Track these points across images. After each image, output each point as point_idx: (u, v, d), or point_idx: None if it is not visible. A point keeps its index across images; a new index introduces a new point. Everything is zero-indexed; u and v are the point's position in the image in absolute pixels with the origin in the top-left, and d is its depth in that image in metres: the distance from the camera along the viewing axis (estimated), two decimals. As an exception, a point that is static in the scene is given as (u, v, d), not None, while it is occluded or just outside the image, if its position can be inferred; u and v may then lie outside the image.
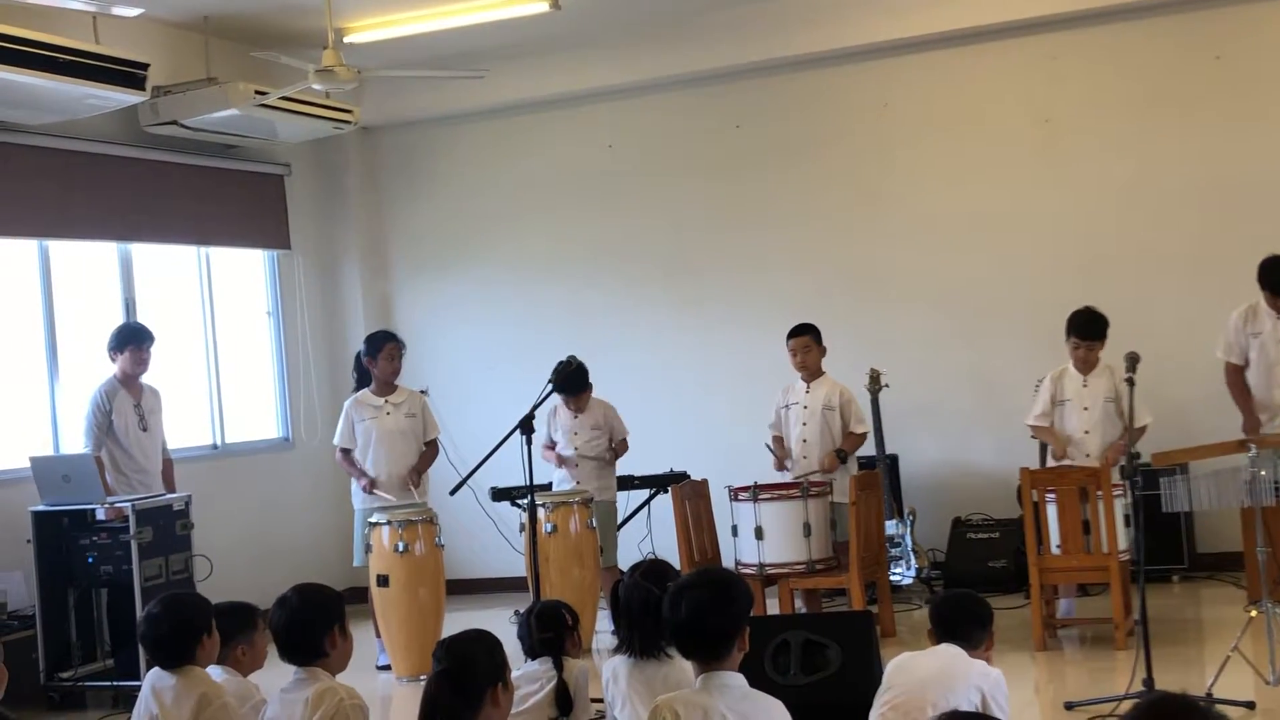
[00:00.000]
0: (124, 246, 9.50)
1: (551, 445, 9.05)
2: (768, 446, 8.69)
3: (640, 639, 5.00)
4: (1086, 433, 8.11)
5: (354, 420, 8.64)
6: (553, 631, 5.39)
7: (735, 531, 8.25)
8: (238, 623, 5.10)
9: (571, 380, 8.72)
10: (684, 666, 4.94)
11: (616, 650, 5.13)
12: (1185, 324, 9.13)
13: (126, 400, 8.34)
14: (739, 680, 3.85)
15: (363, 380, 8.81)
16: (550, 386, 8.00)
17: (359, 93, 9.84)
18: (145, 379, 8.51)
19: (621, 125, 10.77)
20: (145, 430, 8.40)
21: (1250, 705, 6.03)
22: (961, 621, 4.92)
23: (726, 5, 9.96)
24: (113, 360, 8.38)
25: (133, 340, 8.40)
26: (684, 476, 9.37)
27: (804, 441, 8.55)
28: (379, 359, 8.65)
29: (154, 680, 4.75)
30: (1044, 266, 9.69)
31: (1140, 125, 9.55)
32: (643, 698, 4.87)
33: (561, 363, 8.43)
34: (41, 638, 7.94)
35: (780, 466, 8.62)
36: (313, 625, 4.43)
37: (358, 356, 8.90)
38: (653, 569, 5.26)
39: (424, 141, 11.24)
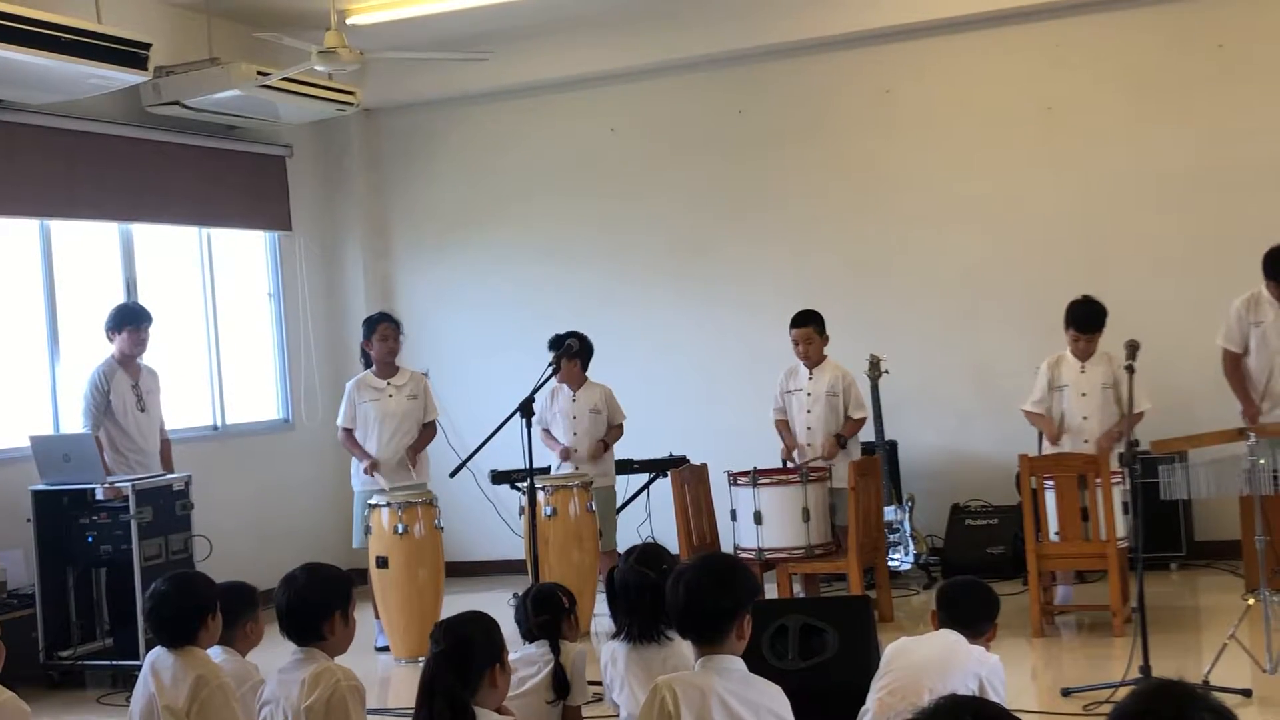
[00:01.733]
0: (125, 227, 9.50)
1: (546, 430, 9.04)
2: (782, 460, 8.63)
3: (639, 624, 5.02)
4: (1085, 419, 8.11)
5: (356, 402, 8.65)
6: (549, 614, 5.39)
7: (734, 516, 8.26)
8: (239, 602, 5.11)
9: (570, 350, 8.73)
10: (682, 650, 4.95)
11: (614, 636, 5.14)
12: (1185, 312, 9.13)
13: (124, 380, 8.34)
14: (739, 664, 3.86)
15: (370, 364, 8.82)
16: (551, 370, 8.00)
17: (361, 74, 9.84)
18: (144, 359, 8.51)
19: (624, 109, 10.76)
20: (143, 411, 8.41)
21: (1247, 693, 6.03)
22: (970, 610, 4.93)
23: (730, -11, 9.95)
24: (110, 340, 8.38)
25: (130, 321, 8.40)
26: (683, 461, 9.38)
27: (808, 429, 8.55)
28: (374, 340, 8.68)
29: (154, 659, 4.76)
30: (1044, 253, 9.69)
31: (1142, 113, 9.54)
32: (641, 680, 4.88)
33: (561, 336, 8.51)
34: (41, 617, 7.96)
35: (788, 456, 8.61)
36: (315, 606, 4.42)
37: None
38: (646, 553, 5.28)
39: (426, 124, 11.23)
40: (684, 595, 3.89)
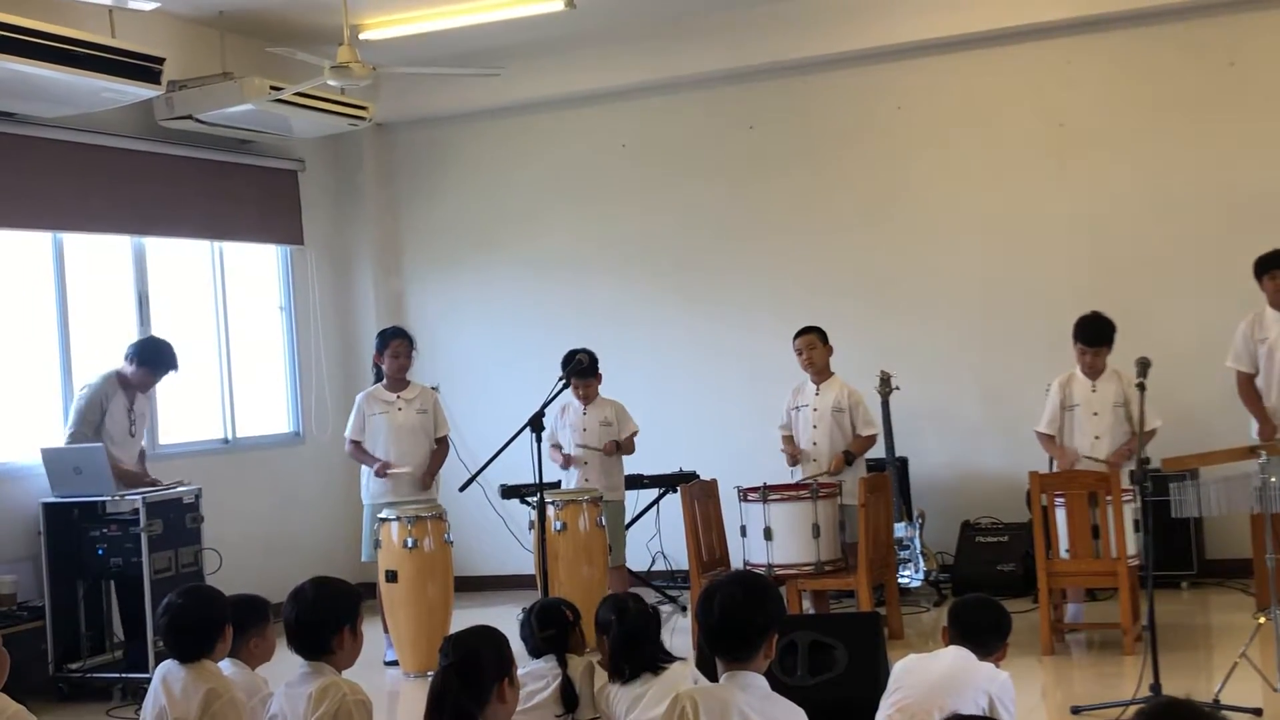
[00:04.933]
0: (138, 240, 9.52)
1: (557, 445, 9.03)
2: (783, 451, 8.67)
3: (629, 665, 5.11)
4: (1097, 438, 8.09)
5: (365, 414, 8.66)
6: (554, 629, 5.40)
7: (744, 532, 8.25)
8: (249, 615, 5.11)
9: (583, 367, 8.77)
10: (680, 670, 5.03)
11: (611, 680, 5.20)
12: (1196, 329, 9.13)
13: (121, 403, 8.25)
14: (762, 682, 3.87)
15: (380, 377, 8.83)
16: (561, 384, 8.00)
17: (374, 89, 9.87)
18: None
19: (635, 125, 10.77)
20: (133, 436, 8.36)
21: (1258, 712, 6.02)
22: (981, 628, 4.91)
23: (740, 6, 9.96)
24: (127, 363, 8.30)
25: (150, 365, 8.27)
26: (693, 476, 9.38)
27: (814, 444, 8.54)
28: (386, 355, 8.68)
29: (165, 672, 4.76)
30: (1055, 270, 9.69)
31: (1153, 130, 9.54)
32: (642, 708, 4.95)
33: (571, 353, 8.52)
34: (51, 629, 7.97)
35: (794, 462, 8.61)
36: (323, 620, 4.42)
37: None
38: (613, 599, 5.43)
39: (438, 139, 11.25)
40: (719, 611, 3.89)
